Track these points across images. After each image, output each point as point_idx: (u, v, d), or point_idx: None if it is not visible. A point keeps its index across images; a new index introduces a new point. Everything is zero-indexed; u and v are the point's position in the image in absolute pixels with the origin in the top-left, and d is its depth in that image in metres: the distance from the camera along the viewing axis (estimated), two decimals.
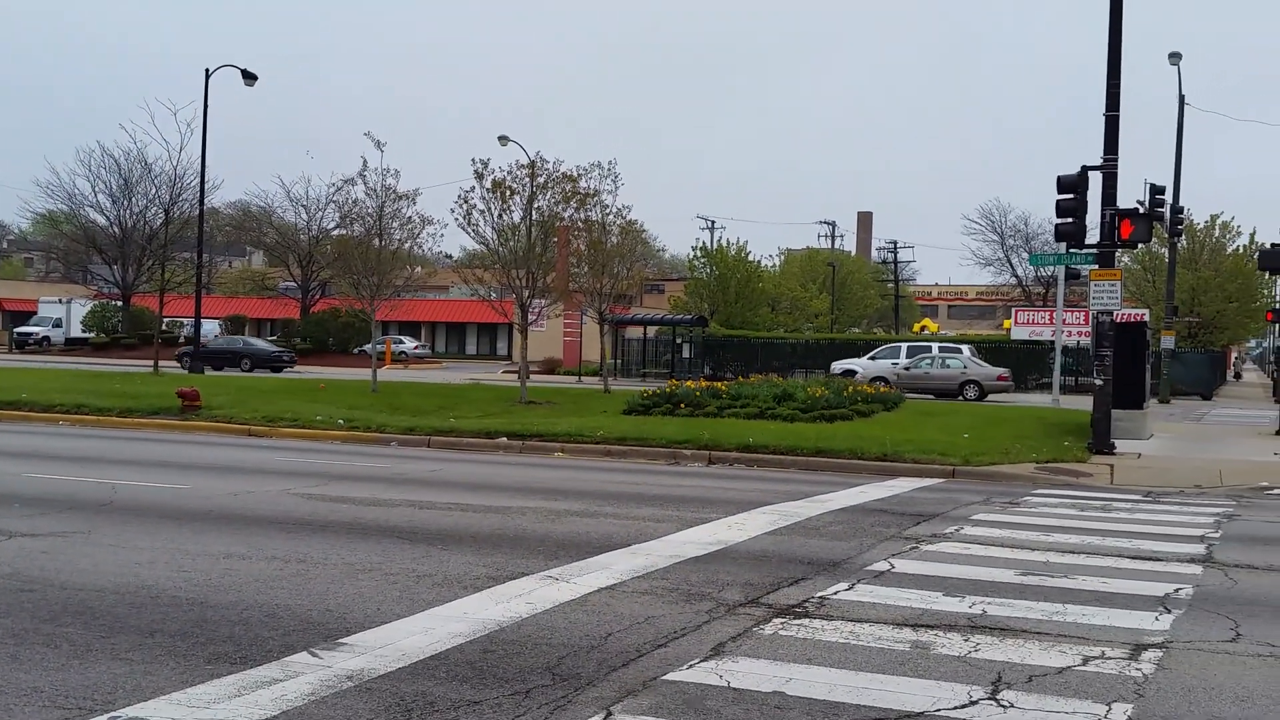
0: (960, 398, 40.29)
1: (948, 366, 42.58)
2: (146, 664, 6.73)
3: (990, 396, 40.80)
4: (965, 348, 46.02)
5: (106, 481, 14.76)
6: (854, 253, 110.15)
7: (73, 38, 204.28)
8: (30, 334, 73.35)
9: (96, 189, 68.33)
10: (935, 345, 46.94)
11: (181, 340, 62.22)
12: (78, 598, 8.33)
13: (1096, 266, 22.93)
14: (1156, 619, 8.49)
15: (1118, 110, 21.99)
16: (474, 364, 72.67)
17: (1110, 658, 7.36)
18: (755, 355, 55.54)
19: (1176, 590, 9.50)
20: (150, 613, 7.94)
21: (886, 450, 19.85)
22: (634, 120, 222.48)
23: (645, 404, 27.75)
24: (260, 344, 58.39)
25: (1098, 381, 22.10)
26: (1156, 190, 34.67)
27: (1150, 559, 10.99)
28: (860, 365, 44.99)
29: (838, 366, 46.14)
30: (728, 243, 68.95)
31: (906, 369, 42.87)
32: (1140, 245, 38.52)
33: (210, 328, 64.88)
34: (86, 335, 70.85)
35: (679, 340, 56.60)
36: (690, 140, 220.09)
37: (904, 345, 46.85)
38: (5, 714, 5.80)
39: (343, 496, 14.07)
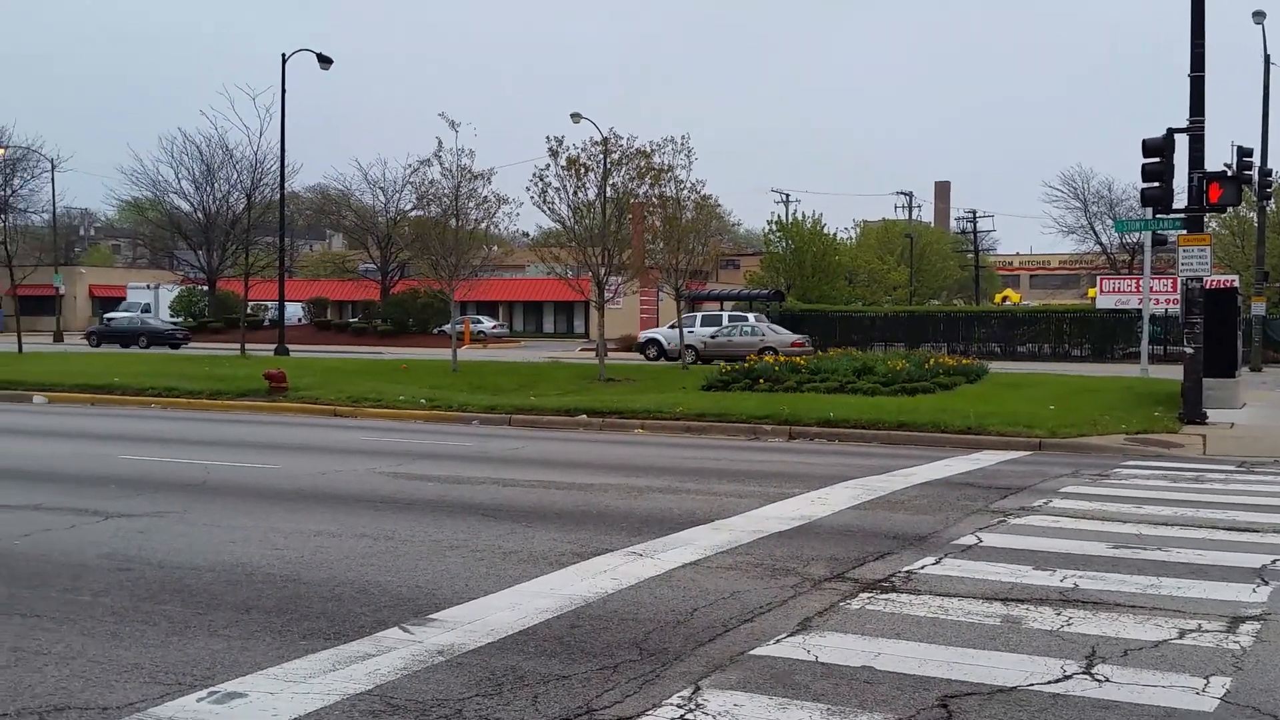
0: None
1: (746, 335, 45.24)
2: (243, 640, 6.88)
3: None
4: (750, 316, 49.76)
5: (199, 462, 15.08)
6: (932, 223, 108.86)
7: (150, 26, 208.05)
8: (112, 319, 75.09)
9: (180, 175, 69.62)
10: (725, 315, 50.76)
11: (266, 323, 63.34)
12: (174, 576, 8.53)
13: (1184, 232, 22.41)
14: (1254, 591, 8.30)
15: (1203, 71, 21.43)
16: (551, 342, 73.04)
17: (1207, 631, 7.21)
18: (833, 329, 55.09)
19: (1274, 561, 9.28)
20: (245, 590, 8.11)
21: (970, 423, 19.61)
22: (707, 93, 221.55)
23: (724, 380, 27.71)
24: (156, 323, 62.49)
25: (1188, 350, 21.63)
26: (1244, 153, 33.78)
27: (1245, 530, 10.74)
28: (666, 335, 48.09)
29: (644, 336, 50.95)
30: (803, 216, 68.46)
31: (713, 337, 45.48)
32: (1228, 210, 37.61)
33: (294, 310, 65.97)
34: (175, 320, 72.37)
35: (755, 315, 56.35)
36: (762, 114, 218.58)
37: (699, 316, 50.08)
38: (107, 690, 5.95)
39: (427, 475, 14.24)
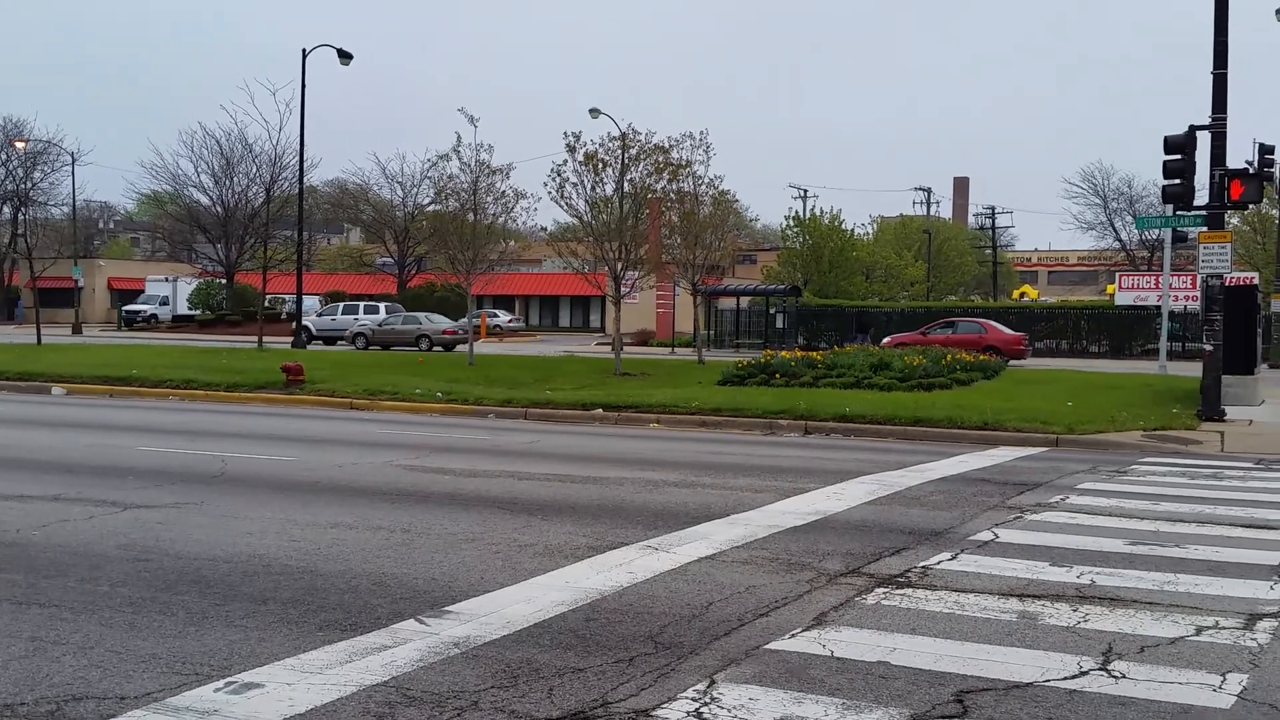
0: (417, 348, 47.84)
1: (407, 324, 50.88)
2: (260, 630, 6.91)
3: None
4: (382, 306, 57.67)
5: (216, 454, 15.14)
6: (950, 219, 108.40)
7: (171, 21, 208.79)
8: (139, 312, 75.46)
9: (199, 169, 69.94)
10: (383, 305, 58.23)
11: (284, 316, 63.55)
12: (192, 567, 8.57)
13: (1205, 229, 22.31)
14: (1271, 588, 8.27)
15: (1226, 68, 21.31)
16: (567, 336, 73.08)
17: (1224, 628, 7.19)
18: (850, 324, 55.03)
19: None
20: (262, 581, 8.14)
21: (987, 419, 19.56)
22: (723, 90, 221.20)
23: (740, 374, 27.69)
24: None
25: (1207, 346, 21.53)
26: (1266, 150, 33.43)
27: (1264, 528, 10.69)
28: (314, 322, 55.44)
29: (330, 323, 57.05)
30: (820, 211, 68.29)
31: (380, 325, 51.35)
32: (1249, 207, 37.41)
33: (311, 303, 66.15)
34: (192, 312, 72.67)
35: (772, 310, 56.35)
36: (781, 108, 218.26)
37: (361, 304, 58.23)
38: (125, 680, 5.99)
39: (443, 468, 14.27)
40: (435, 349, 47.23)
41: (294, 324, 49.52)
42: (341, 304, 59.23)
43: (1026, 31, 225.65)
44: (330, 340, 52.99)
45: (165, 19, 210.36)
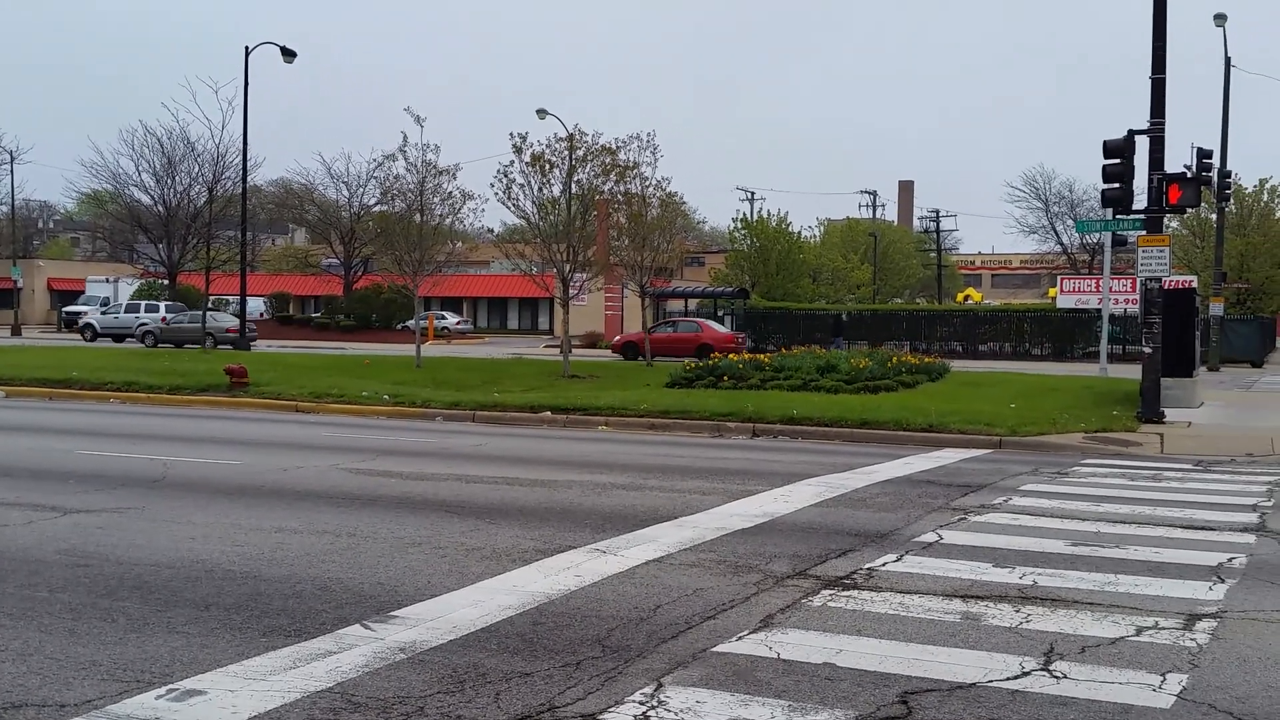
0: (202, 346, 48.97)
1: (193, 323, 51.59)
2: (203, 637, 6.83)
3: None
4: (160, 304, 59.40)
5: (158, 458, 14.95)
6: (895, 222, 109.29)
7: (112, 17, 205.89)
8: (79, 313, 74.20)
9: (140, 168, 68.70)
10: (163, 304, 59.47)
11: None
12: (133, 572, 8.45)
13: (1144, 232, 22.63)
14: (1210, 589, 8.41)
15: (1164, 73, 21.63)
16: (516, 339, 72.90)
17: (1164, 628, 7.30)
18: (797, 327, 55.30)
19: (1230, 560, 9.40)
20: (205, 587, 8.05)
21: (932, 421, 19.74)
22: (670, 92, 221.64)
23: (688, 377, 27.76)
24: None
25: (1146, 349, 21.85)
26: (1204, 154, 34.14)
27: (1203, 528, 10.87)
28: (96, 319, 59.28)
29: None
30: (768, 214, 68.62)
31: (169, 323, 53.04)
32: (1188, 211, 38.02)
33: (255, 305, 65.44)
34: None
35: (720, 313, 56.45)
36: (727, 110, 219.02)
37: (143, 304, 60.80)
38: (65, 687, 5.90)
39: (390, 471, 14.18)
40: (221, 346, 47.97)
41: (239, 326, 48.95)
42: (124, 303, 62.85)
43: (972, 37, 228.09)
44: (119, 338, 55.88)
45: (107, 14, 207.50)
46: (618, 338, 49.56)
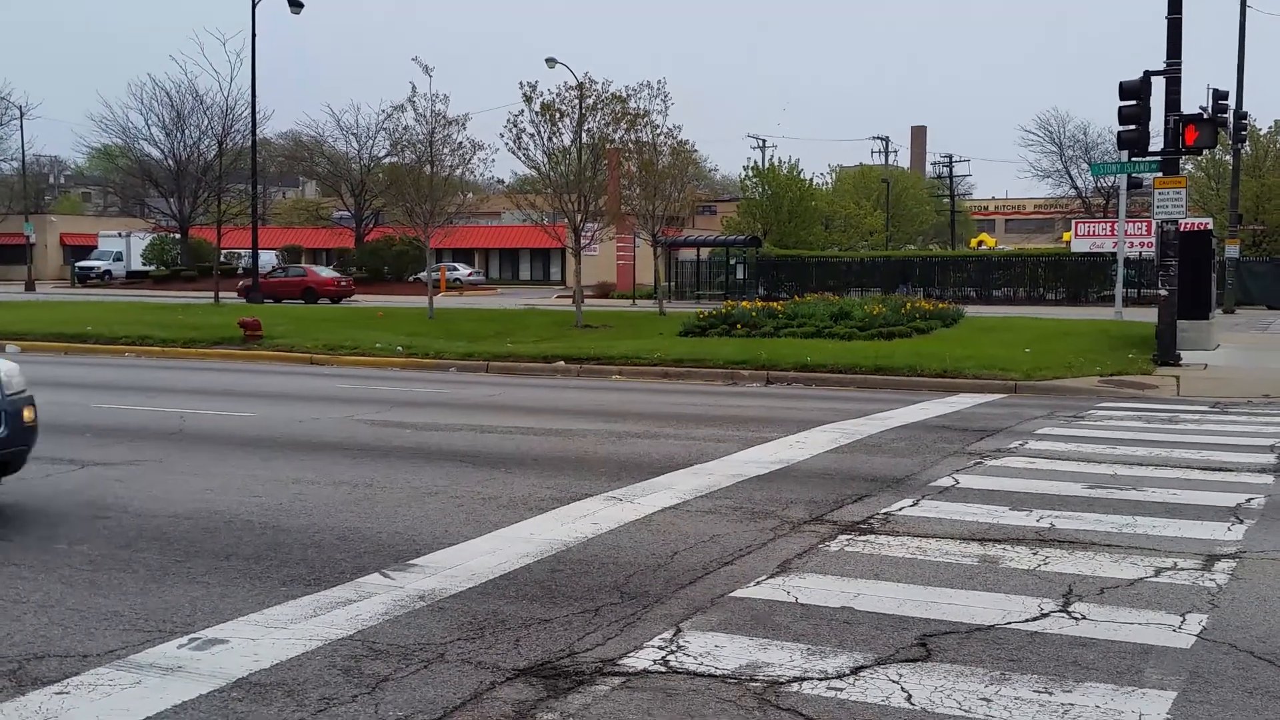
0: None
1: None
2: (223, 587, 6.86)
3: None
4: None
5: (174, 410, 14.99)
6: (908, 168, 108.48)
7: None
8: (92, 268, 74.36)
9: (150, 122, 68.51)
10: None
11: (240, 271, 62.94)
12: (153, 524, 8.49)
13: (1160, 174, 22.42)
14: (1229, 529, 8.39)
15: (1180, 13, 21.34)
16: (528, 289, 72.84)
17: (1183, 569, 7.29)
18: (810, 274, 55.10)
19: (1248, 500, 9.38)
20: (224, 537, 8.08)
21: (946, 366, 19.69)
22: (679, 38, 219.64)
23: (701, 325, 27.71)
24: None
25: (1162, 292, 21.72)
26: (1220, 95, 33.80)
27: (1220, 470, 10.84)
28: None
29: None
30: (779, 161, 68.21)
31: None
32: (1203, 153, 37.71)
33: (267, 258, 65.44)
34: (147, 268, 71.69)
35: (733, 261, 56.30)
36: (737, 56, 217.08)
37: None
38: (87, 637, 5.93)
39: (405, 422, 14.20)
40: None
41: (250, 279, 48.95)
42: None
43: None
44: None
45: None
46: (241, 283, 53.02)
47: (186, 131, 67.25)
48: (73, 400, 16.30)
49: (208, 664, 5.53)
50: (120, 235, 77.37)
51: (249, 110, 47.84)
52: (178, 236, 70.89)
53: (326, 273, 57.39)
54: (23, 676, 5.38)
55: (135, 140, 69.67)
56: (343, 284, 54.50)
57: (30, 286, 62.85)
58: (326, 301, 50.59)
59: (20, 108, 68.65)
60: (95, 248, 78.73)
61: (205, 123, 65.24)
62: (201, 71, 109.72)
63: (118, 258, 75.31)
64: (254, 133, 49.00)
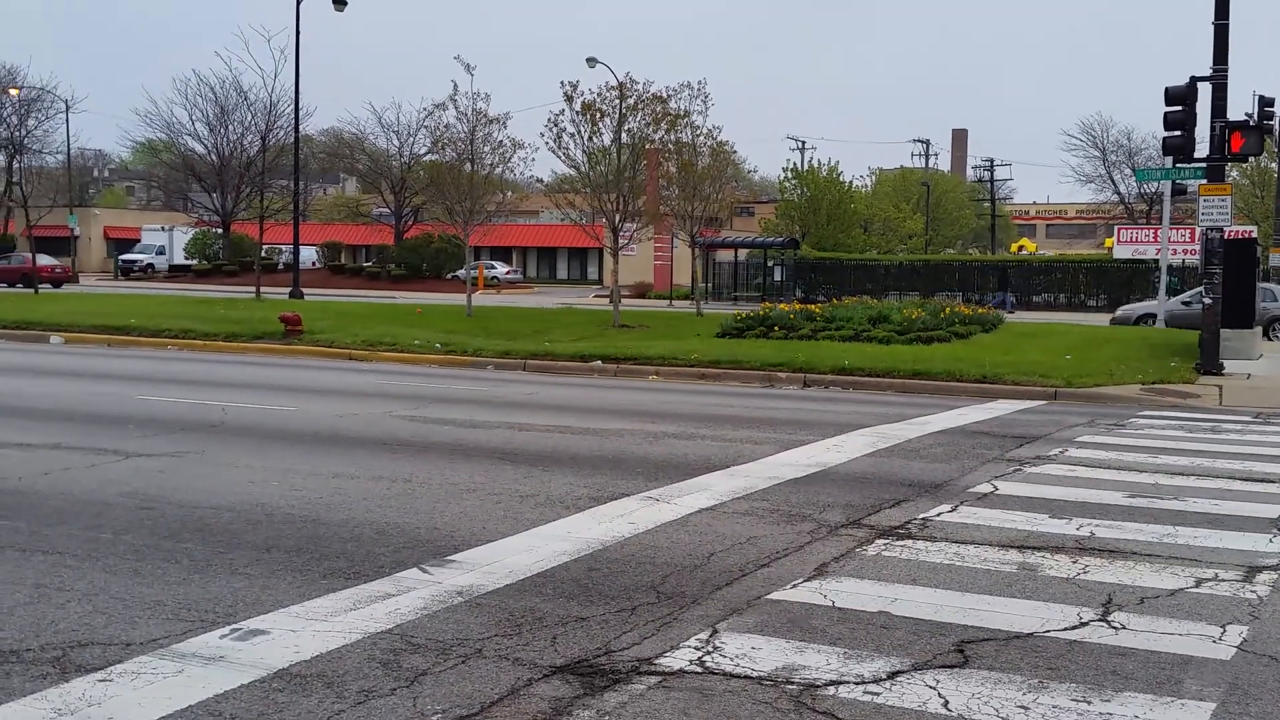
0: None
1: None
2: (264, 578, 6.93)
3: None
4: None
5: (216, 404, 15.14)
6: (949, 172, 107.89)
7: None
8: (135, 261, 75.20)
9: (194, 117, 69.19)
10: None
11: (281, 267, 63.40)
12: (195, 515, 8.58)
13: (1205, 181, 22.22)
14: (1271, 540, 8.30)
15: (1227, 19, 21.15)
16: (565, 288, 72.95)
17: (1224, 580, 7.22)
18: (848, 277, 54.95)
19: None
20: (265, 530, 8.16)
21: (986, 372, 19.58)
22: (722, 39, 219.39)
23: (739, 327, 27.68)
24: None
25: (1206, 300, 21.51)
26: (1266, 102, 33.30)
27: (1263, 480, 10.73)
28: None
29: None
30: (818, 163, 67.98)
31: None
32: (1249, 160, 37.32)
33: (308, 254, 65.92)
34: (189, 262, 72.35)
35: (770, 263, 56.21)
36: (780, 59, 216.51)
37: None
38: (130, 626, 6.01)
39: (443, 419, 14.28)
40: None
41: (292, 274, 49.31)
42: None
43: None
44: None
45: None
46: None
47: (230, 127, 67.91)
48: (116, 391, 16.51)
49: (249, 654, 5.60)
50: (163, 229, 78.22)
51: (292, 107, 48.18)
52: (220, 231, 71.55)
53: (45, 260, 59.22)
54: (67, 663, 5.46)
55: (179, 135, 70.42)
56: (57, 270, 58.82)
57: (74, 279, 63.55)
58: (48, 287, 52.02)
59: (66, 101, 69.44)
60: (139, 241, 79.59)
61: (249, 118, 65.90)
62: (246, 68, 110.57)
63: (160, 251, 76.11)
64: (296, 129, 49.32)
